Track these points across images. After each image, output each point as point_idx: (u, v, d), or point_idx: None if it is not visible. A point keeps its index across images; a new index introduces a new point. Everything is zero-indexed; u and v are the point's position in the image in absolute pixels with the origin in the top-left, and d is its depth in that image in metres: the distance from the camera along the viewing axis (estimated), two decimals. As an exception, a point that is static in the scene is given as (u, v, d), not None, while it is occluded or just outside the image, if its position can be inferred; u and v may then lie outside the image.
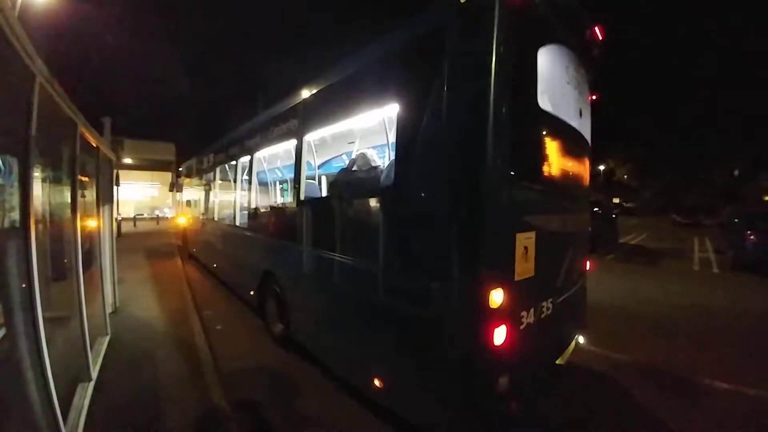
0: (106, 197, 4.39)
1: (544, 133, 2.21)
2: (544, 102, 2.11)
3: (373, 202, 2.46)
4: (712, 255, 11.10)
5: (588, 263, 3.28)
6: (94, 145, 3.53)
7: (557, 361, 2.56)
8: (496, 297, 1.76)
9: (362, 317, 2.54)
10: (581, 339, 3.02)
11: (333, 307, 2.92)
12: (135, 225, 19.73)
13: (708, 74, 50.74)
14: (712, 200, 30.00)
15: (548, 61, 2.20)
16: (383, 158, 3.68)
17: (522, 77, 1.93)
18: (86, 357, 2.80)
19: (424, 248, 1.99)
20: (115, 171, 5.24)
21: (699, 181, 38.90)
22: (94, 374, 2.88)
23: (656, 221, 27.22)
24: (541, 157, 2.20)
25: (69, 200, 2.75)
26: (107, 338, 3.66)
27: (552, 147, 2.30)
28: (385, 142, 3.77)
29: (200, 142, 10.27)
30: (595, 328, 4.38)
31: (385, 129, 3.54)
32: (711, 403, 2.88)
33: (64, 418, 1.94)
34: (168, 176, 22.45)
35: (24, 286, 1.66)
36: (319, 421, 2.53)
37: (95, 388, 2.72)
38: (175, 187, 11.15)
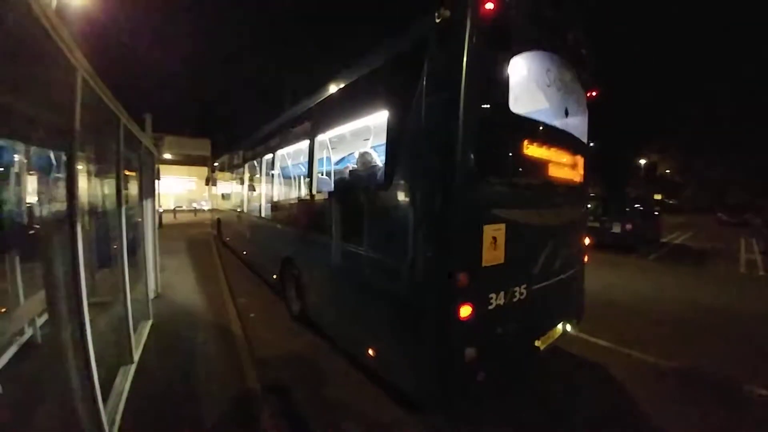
0: (148, 190, 4.63)
1: (517, 134, 2.40)
2: (518, 106, 2.32)
3: (369, 197, 2.78)
4: (758, 257, 10.42)
5: (585, 256, 3.47)
6: (138, 139, 3.70)
7: (536, 344, 2.71)
8: (462, 279, 2.05)
9: (359, 296, 2.94)
10: (569, 327, 3.16)
11: (336, 288, 3.35)
12: (175, 217, 20.83)
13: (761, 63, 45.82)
14: (762, 199, 27.41)
15: (525, 67, 2.46)
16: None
17: (492, 85, 2.16)
18: (129, 341, 2.95)
19: (406, 237, 2.29)
20: (156, 165, 5.52)
21: (745, 179, 35.58)
22: (136, 357, 3.05)
23: (701, 219, 25.38)
24: (514, 157, 2.40)
25: (114, 192, 2.90)
26: (149, 322, 3.87)
27: (528, 147, 2.46)
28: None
29: (233, 137, 10.88)
30: (641, 333, 4.19)
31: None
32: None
33: (104, 401, 2.03)
34: (204, 170, 23.58)
35: (69, 272, 1.74)
36: (340, 406, 2.68)
37: (136, 371, 2.87)
38: (210, 181, 12.13)
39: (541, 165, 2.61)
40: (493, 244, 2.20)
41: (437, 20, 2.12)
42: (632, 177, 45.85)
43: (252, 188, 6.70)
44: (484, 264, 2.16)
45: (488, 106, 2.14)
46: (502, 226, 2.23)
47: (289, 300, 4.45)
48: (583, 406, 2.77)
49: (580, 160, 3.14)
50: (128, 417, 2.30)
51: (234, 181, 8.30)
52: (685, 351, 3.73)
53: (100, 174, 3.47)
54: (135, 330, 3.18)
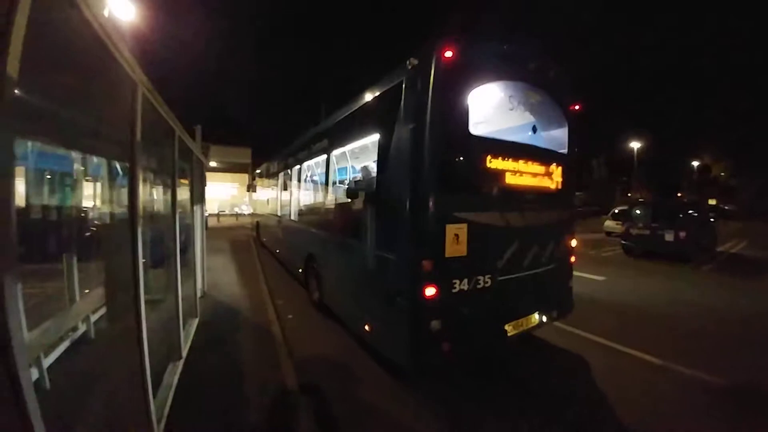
0: (198, 196, 4.94)
1: (476, 152, 2.89)
2: (480, 128, 3.01)
3: (365, 203, 3.30)
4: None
5: (571, 256, 3.93)
6: (190, 149, 3.97)
7: (506, 328, 3.12)
8: (427, 266, 2.60)
9: (357, 283, 3.51)
10: (545, 318, 3.47)
11: (342, 277, 4.01)
12: (218, 221, 22.09)
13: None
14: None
15: (488, 96, 3.09)
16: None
17: (453, 114, 2.70)
18: (179, 337, 3.14)
19: (389, 234, 2.92)
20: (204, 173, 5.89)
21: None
22: (184, 353, 3.23)
23: (759, 226, 22.74)
24: (474, 169, 2.88)
25: (169, 198, 3.12)
26: (196, 320, 4.10)
27: (487, 161, 2.94)
28: None
29: (272, 146, 11.76)
30: (685, 345, 3.89)
31: None
32: None
33: (154, 395, 2.14)
34: (245, 177, 25.91)
35: (129, 271, 1.88)
36: (375, 414, 2.75)
37: (184, 366, 3.04)
38: (251, 188, 13.48)
39: (502, 175, 3.05)
40: (456, 239, 2.73)
41: (409, 67, 2.75)
42: (684, 180, 42.41)
43: (282, 195, 7.70)
44: (447, 255, 2.69)
45: (449, 131, 2.69)
46: (464, 225, 2.76)
47: (310, 290, 5.15)
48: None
49: (555, 169, 3.50)
50: (175, 410, 2.43)
51: (269, 189, 9.54)
52: (734, 365, 3.43)
53: (156, 181, 3.75)
54: (184, 327, 3.38)
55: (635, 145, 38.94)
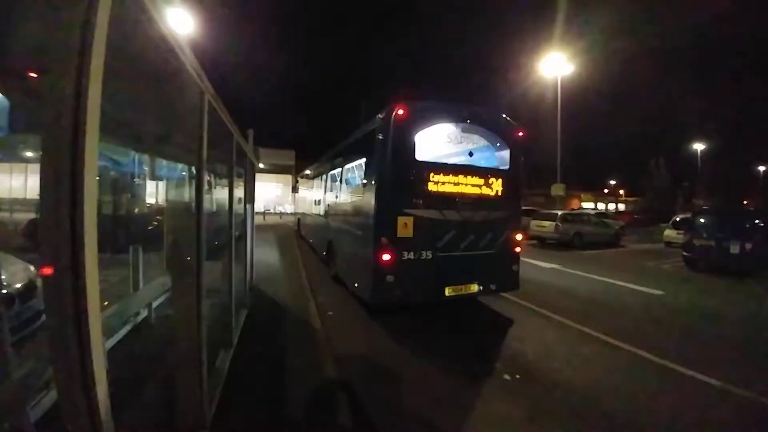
0: (250, 195, 5.27)
1: (420, 171, 4.39)
2: (423, 156, 4.40)
3: (356, 204, 5.35)
4: None
5: (516, 246, 5.11)
6: (244, 152, 4.24)
7: (445, 289, 4.58)
8: (384, 241, 4.20)
9: (351, 258, 5.45)
10: (482, 288, 4.80)
11: (344, 255, 5.91)
12: (264, 218, 23.25)
13: None
14: None
15: (432, 134, 4.51)
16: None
17: (404, 148, 4.28)
18: (230, 326, 3.35)
19: (366, 223, 4.60)
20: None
21: None
22: (234, 341, 3.45)
23: None
24: (418, 182, 4.38)
25: (226, 196, 3.36)
26: (245, 311, 4.36)
27: (430, 176, 4.45)
28: None
29: (316, 147, 13.38)
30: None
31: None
32: None
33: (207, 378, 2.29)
34: (288, 178, 28.03)
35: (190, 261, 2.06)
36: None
37: (234, 354, 3.24)
38: (295, 189, 15.91)
39: (441, 185, 4.50)
40: (405, 226, 4.28)
41: (378, 118, 4.52)
42: (751, 187, 38.03)
43: (313, 196, 9.91)
44: (398, 236, 4.26)
45: (401, 159, 4.29)
46: (411, 218, 4.31)
47: (330, 267, 6.84)
48: None
49: (494, 181, 4.86)
50: (225, 396, 2.61)
51: (305, 191, 12.21)
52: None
53: (215, 181, 4.05)
54: (235, 317, 3.61)
55: (699, 146, 35.36)
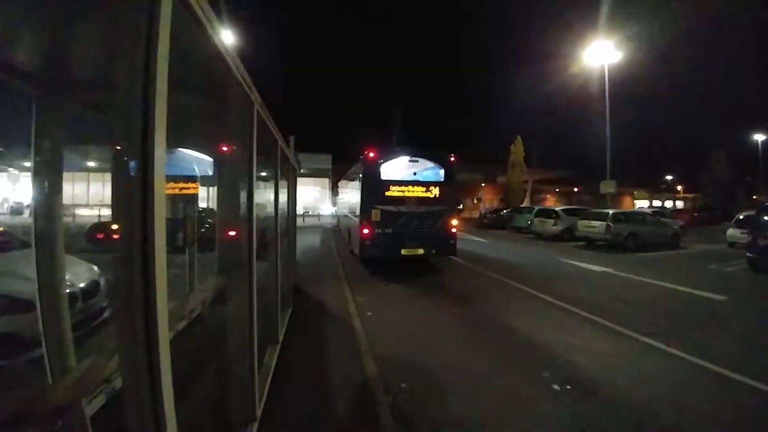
0: (292, 198, 5.49)
1: (384, 185, 8.04)
2: (386, 175, 8.14)
3: (356, 203, 9.09)
4: None
5: (452, 228, 8.48)
6: (287, 158, 4.41)
7: (402, 251, 7.96)
8: (365, 222, 7.95)
9: (354, 233, 9.27)
10: (423, 251, 8.15)
11: (352, 233, 9.87)
12: (303, 221, 24.06)
13: None
14: None
15: (393, 163, 8.28)
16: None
17: (375, 173, 8.14)
18: (276, 324, 3.50)
19: (358, 213, 8.54)
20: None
21: None
22: (280, 338, 3.59)
23: None
24: (383, 191, 8.01)
25: (272, 199, 3.52)
26: (289, 310, 4.53)
27: (390, 187, 8.04)
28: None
29: (351, 150, 15.80)
30: None
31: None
32: None
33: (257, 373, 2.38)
34: (325, 181, 29.91)
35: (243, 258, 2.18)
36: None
37: (280, 351, 3.38)
38: (335, 193, 19.06)
39: (399, 191, 8.03)
40: (378, 214, 7.85)
41: (361, 157, 8.48)
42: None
43: (346, 200, 13.14)
44: (372, 219, 7.84)
45: (373, 179, 8.06)
46: (380, 210, 7.86)
47: (353, 248, 9.59)
48: None
49: (433, 188, 8.28)
50: (273, 390, 2.73)
51: (340, 194, 16.15)
52: None
53: (261, 185, 4.25)
54: (280, 315, 3.76)
55: (760, 137, 31.39)
